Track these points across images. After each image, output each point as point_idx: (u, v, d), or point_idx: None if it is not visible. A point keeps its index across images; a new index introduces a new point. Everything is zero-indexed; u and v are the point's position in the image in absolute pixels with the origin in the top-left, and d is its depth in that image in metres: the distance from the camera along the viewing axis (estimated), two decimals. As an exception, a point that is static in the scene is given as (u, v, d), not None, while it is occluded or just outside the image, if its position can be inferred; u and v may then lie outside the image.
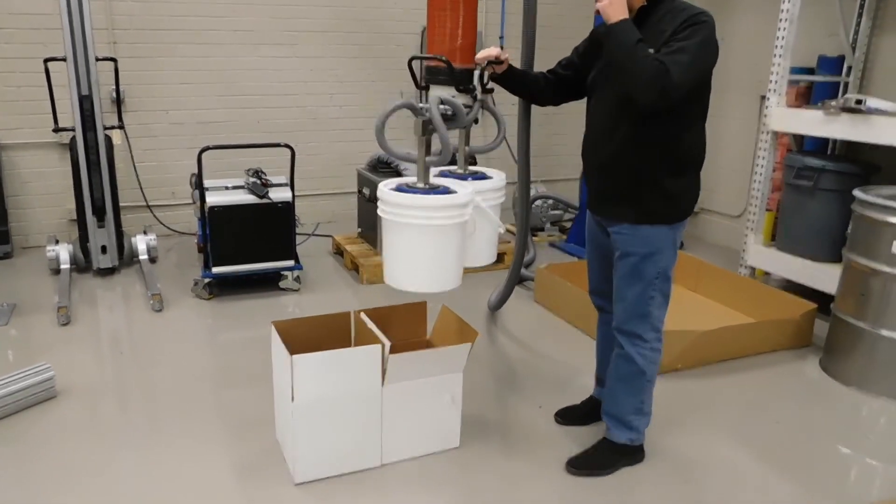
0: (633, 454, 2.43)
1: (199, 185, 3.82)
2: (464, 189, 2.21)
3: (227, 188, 3.89)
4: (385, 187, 2.20)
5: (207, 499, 2.21)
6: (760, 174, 4.10)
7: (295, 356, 2.14)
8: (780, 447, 2.60)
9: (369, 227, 4.42)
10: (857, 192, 3.09)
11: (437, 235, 2.12)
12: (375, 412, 2.33)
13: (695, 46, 1.97)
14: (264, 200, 3.82)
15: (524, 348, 3.39)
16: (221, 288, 3.96)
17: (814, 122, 3.66)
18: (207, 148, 3.74)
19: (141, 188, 4.83)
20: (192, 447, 2.48)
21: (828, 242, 3.68)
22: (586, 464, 2.41)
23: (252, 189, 3.84)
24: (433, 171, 2.42)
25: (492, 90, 2.39)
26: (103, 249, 4.14)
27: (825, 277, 3.58)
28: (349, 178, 5.05)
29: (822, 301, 3.43)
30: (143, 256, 4.31)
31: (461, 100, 2.35)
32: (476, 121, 2.41)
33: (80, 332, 3.43)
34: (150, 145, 4.91)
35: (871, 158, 3.79)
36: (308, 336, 2.41)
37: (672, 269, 2.27)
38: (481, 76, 2.34)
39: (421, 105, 2.23)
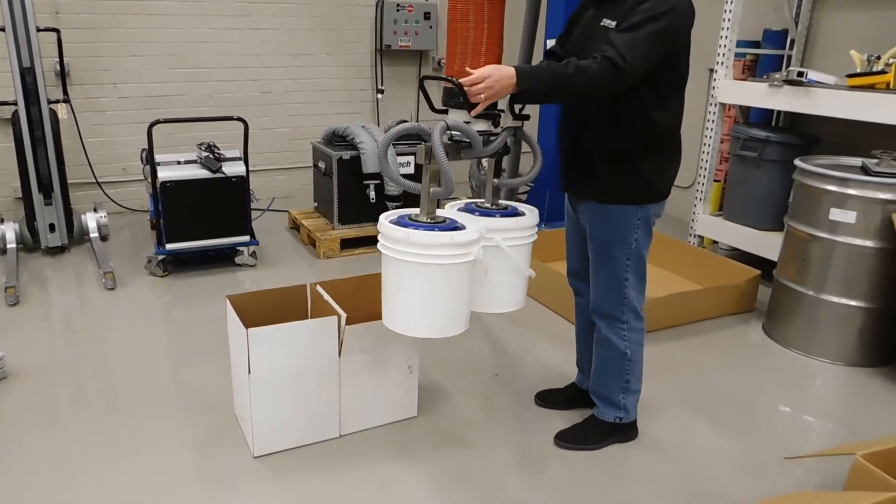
0: (624, 431, 2.44)
1: (150, 159, 3.74)
2: (474, 226, 2.00)
3: (179, 163, 3.82)
4: (385, 219, 2.00)
5: (166, 475, 2.22)
6: (709, 146, 4.21)
7: (250, 329, 2.15)
8: (725, 408, 2.72)
9: (325, 202, 4.40)
10: (797, 162, 3.21)
11: (432, 275, 1.91)
12: (333, 384, 2.36)
13: (648, 19, 1.91)
14: (217, 175, 3.77)
15: (484, 321, 3.45)
16: (176, 265, 3.92)
17: (759, 95, 3.77)
18: (158, 121, 3.67)
19: (90, 164, 4.71)
20: (150, 425, 2.48)
21: (772, 211, 3.82)
22: (576, 438, 2.43)
23: (205, 163, 3.79)
24: (455, 205, 2.23)
25: (527, 117, 2.13)
26: (51, 228, 4.04)
27: (769, 245, 3.72)
28: (304, 153, 5.02)
29: (767, 268, 3.57)
30: (94, 234, 4.22)
31: (483, 126, 2.03)
32: (507, 150, 2.12)
33: (31, 313, 3.36)
34: (97, 120, 4.78)
35: (812, 130, 3.93)
36: (264, 310, 2.42)
37: (646, 251, 2.22)
38: (512, 100, 2.06)
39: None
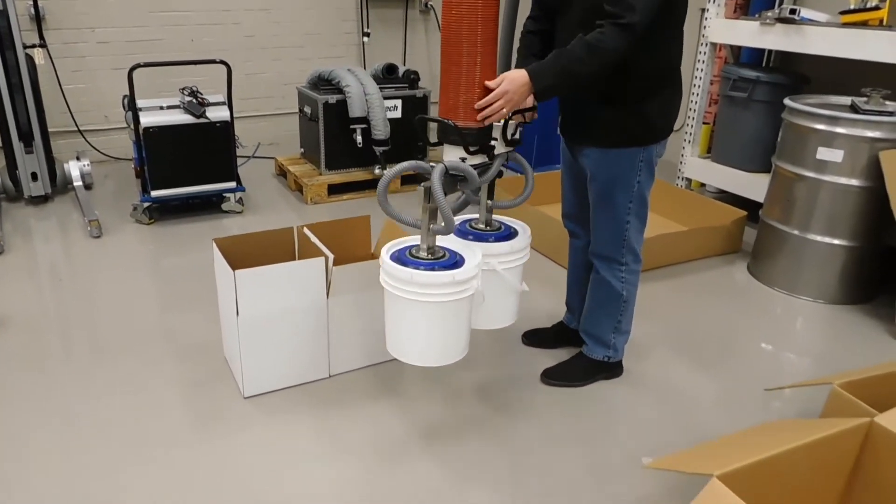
0: (610, 369, 2.49)
1: (131, 105, 3.68)
2: (471, 261, 2.00)
3: (161, 108, 3.75)
4: (385, 254, 2.01)
5: (157, 416, 2.25)
6: (698, 87, 4.16)
7: (238, 271, 2.15)
8: (708, 345, 2.77)
9: (312, 147, 4.36)
10: (787, 101, 3.19)
11: (434, 312, 1.94)
12: (321, 325, 2.37)
13: None
14: (201, 120, 3.72)
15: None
16: (162, 213, 3.89)
17: (750, 34, 3.71)
18: (138, 65, 3.58)
19: (70, 112, 4.62)
20: (139, 369, 2.50)
21: (760, 153, 3.81)
22: (562, 375, 2.47)
23: (188, 108, 3.72)
24: (455, 221, 2.18)
25: (518, 142, 2.12)
26: (34, 177, 3.99)
27: (757, 187, 3.72)
28: (290, 99, 4.94)
29: (754, 210, 3.58)
30: (78, 183, 4.16)
31: (478, 160, 2.03)
32: (501, 174, 2.12)
33: (15, 262, 3.34)
34: (77, 66, 4.66)
35: (804, 69, 3.89)
36: (251, 253, 2.42)
37: (648, 192, 2.20)
38: (505, 128, 2.05)
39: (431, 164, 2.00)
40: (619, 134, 2.10)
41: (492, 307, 2.19)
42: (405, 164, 1.99)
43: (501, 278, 2.15)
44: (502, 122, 2.04)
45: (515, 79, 1.93)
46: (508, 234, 2.24)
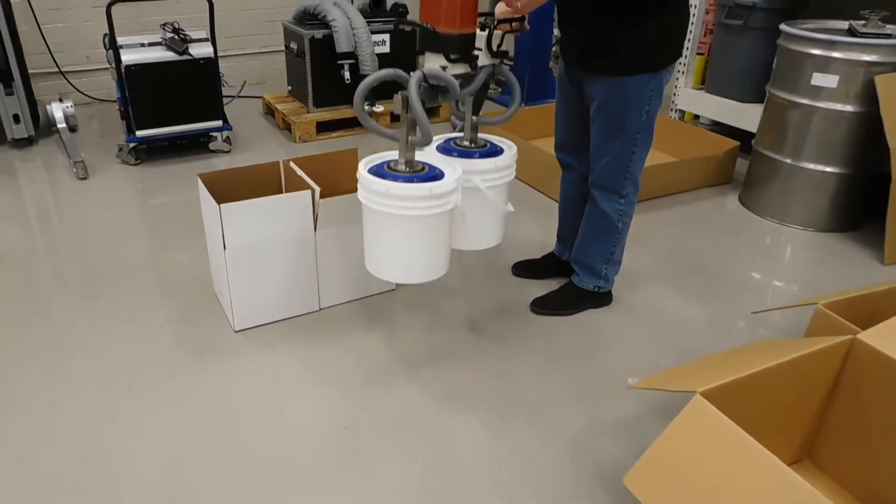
0: (600, 298, 2.49)
1: (111, 43, 3.58)
2: (451, 175, 1.93)
3: (143, 45, 3.65)
4: (363, 168, 1.94)
5: (149, 351, 2.26)
6: (693, 16, 4.06)
7: (223, 205, 2.13)
8: (697, 274, 2.78)
9: (299, 85, 4.27)
10: (783, 26, 3.11)
11: (412, 226, 1.89)
12: (310, 258, 2.37)
13: None
14: (185, 57, 3.63)
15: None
16: (149, 153, 3.84)
17: (747, -43, 3.60)
18: (116, 0, 3.48)
19: (50, 52, 4.51)
20: (129, 304, 2.51)
21: (755, 82, 3.73)
22: (552, 304, 2.48)
23: (170, 45, 3.63)
24: (437, 139, 2.15)
25: (505, 53, 2.03)
26: (16, 118, 3.91)
27: (750, 117, 3.67)
28: (276, 35, 4.81)
29: (747, 140, 3.54)
30: (62, 125, 4.10)
31: (461, 69, 1.93)
32: (486, 88, 2.03)
33: (1, 204, 3.31)
34: (54, 4, 4.52)
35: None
36: (237, 188, 2.38)
37: (654, 120, 2.16)
38: (489, 38, 1.96)
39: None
40: (633, 60, 2.03)
41: (476, 227, 2.16)
42: (383, 71, 1.89)
43: (484, 196, 2.09)
44: (486, 31, 1.97)
45: None
46: (494, 151, 2.17)
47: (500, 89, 5.01)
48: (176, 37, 3.66)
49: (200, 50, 3.68)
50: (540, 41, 4.67)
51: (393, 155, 2.00)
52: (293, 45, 4.24)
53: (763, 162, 3.23)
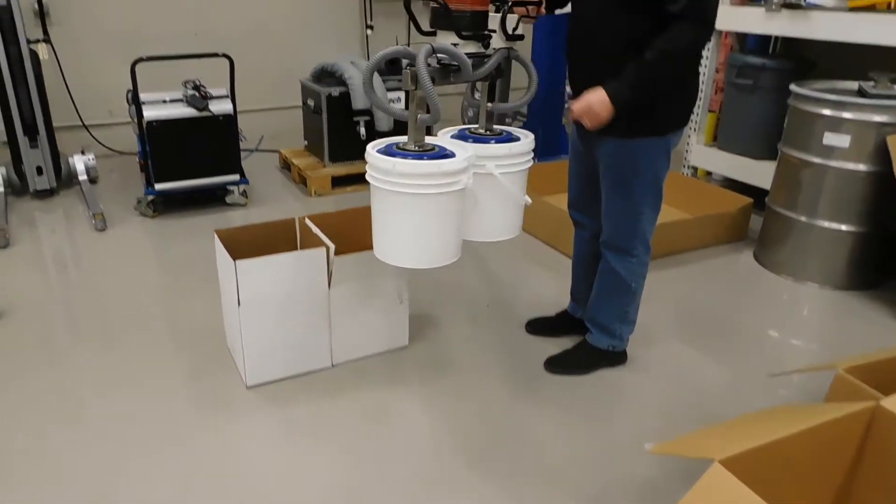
0: (614, 358, 2.46)
1: (135, 99, 3.68)
2: (463, 153, 1.92)
3: (165, 102, 3.75)
4: (372, 148, 1.93)
5: (159, 403, 2.25)
6: (704, 74, 4.13)
7: (238, 261, 2.15)
8: (713, 333, 2.75)
9: (316, 140, 4.35)
10: (792, 87, 3.16)
11: (420, 205, 1.85)
12: (323, 314, 2.37)
13: None
14: (205, 113, 3.72)
15: (476, 251, 3.45)
16: (167, 206, 3.90)
17: (756, 20, 3.67)
18: (141, 59, 3.59)
19: (75, 106, 4.63)
20: (143, 358, 2.51)
21: (766, 140, 3.77)
22: (566, 363, 2.45)
23: (191, 102, 3.72)
24: (449, 131, 2.15)
25: (521, 37, 2.02)
26: (39, 171, 4.00)
27: (763, 174, 3.69)
28: (293, 92, 4.91)
29: (760, 197, 3.55)
30: (83, 177, 4.18)
31: (472, 48, 1.93)
32: (501, 73, 2.04)
33: (21, 254, 3.36)
34: (81, 61, 4.67)
35: (810, 55, 3.85)
36: (253, 244, 2.41)
37: (663, 182, 2.16)
38: (504, 20, 1.95)
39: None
40: (642, 124, 2.04)
41: (490, 215, 2.12)
42: (392, 48, 1.90)
43: (499, 184, 2.04)
44: (500, 13, 1.97)
45: (598, 103, 1.95)
46: (510, 139, 2.14)
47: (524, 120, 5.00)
48: (197, 94, 3.75)
49: (220, 107, 3.77)
50: (552, 98, 4.74)
51: (404, 138, 1.97)
52: (310, 102, 4.34)
53: (777, 219, 3.23)
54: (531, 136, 2.19)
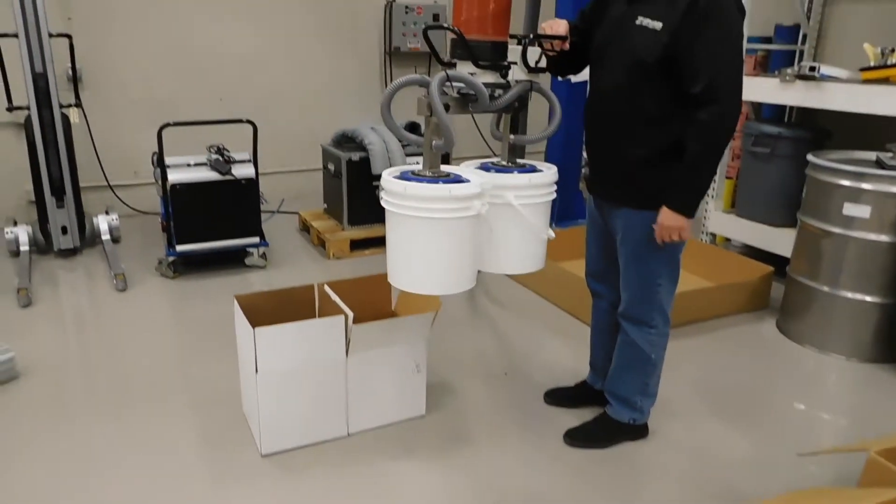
0: (635, 431, 2.41)
1: (160, 162, 3.77)
2: (477, 180, 1.92)
3: (189, 165, 3.84)
4: (388, 174, 1.94)
5: (173, 471, 2.22)
6: (720, 142, 4.16)
7: (257, 328, 2.15)
8: (738, 405, 2.69)
9: (335, 203, 4.41)
10: (810, 157, 3.17)
11: (431, 229, 1.85)
12: (340, 382, 2.35)
13: (723, 45, 1.88)
14: (227, 177, 3.79)
15: (496, 321, 3.44)
16: (187, 266, 3.93)
17: (770, 90, 3.72)
18: (168, 125, 3.69)
19: (101, 167, 4.74)
20: (158, 421, 2.49)
21: (784, 207, 3.77)
22: (586, 437, 2.40)
23: (214, 166, 3.80)
24: (472, 163, 2.16)
25: (543, 70, 2.04)
26: (64, 230, 4.08)
27: (782, 241, 3.67)
28: (314, 155, 5.01)
29: (780, 265, 3.52)
30: (106, 236, 4.25)
31: (490, 77, 1.95)
32: (524, 105, 2.06)
33: (42, 313, 3.39)
34: (109, 123, 4.81)
35: (825, 124, 3.88)
36: (272, 309, 2.41)
37: (680, 254, 2.17)
38: (525, 52, 1.97)
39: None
40: (656, 197, 2.04)
41: (510, 247, 2.09)
42: (410, 76, 1.93)
43: (519, 215, 2.02)
44: (521, 45, 1.99)
45: (672, 222, 2.01)
46: (532, 171, 2.13)
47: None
48: (220, 158, 3.83)
49: (242, 171, 3.84)
50: (568, 162, 4.79)
51: (415, 167, 1.98)
52: (331, 166, 4.42)
53: (799, 289, 3.19)
54: (554, 168, 2.18)
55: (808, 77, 3.46)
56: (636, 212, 2.11)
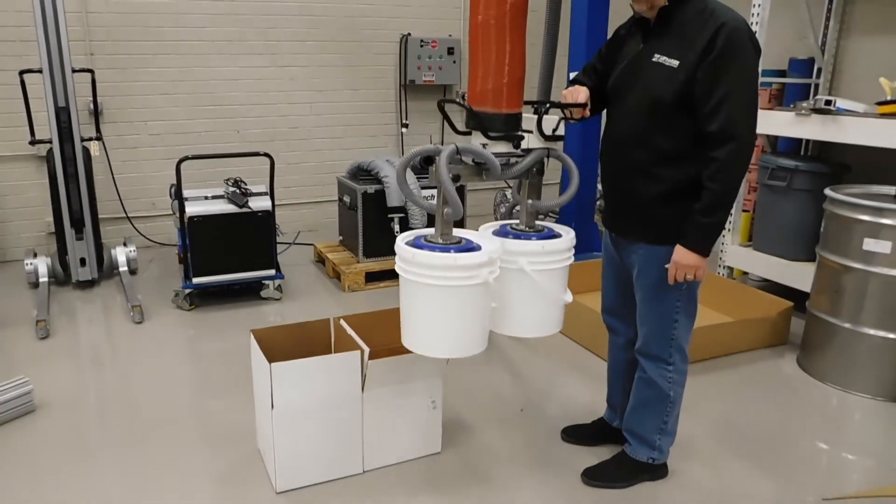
0: (654, 471, 2.37)
1: (178, 195, 3.81)
2: (489, 248, 1.97)
3: (206, 198, 3.88)
4: (401, 240, 2.01)
5: (188, 509, 2.20)
6: (736, 175, 4.15)
7: (273, 364, 2.14)
8: (760, 444, 2.63)
9: (350, 235, 4.42)
10: (828, 192, 3.15)
11: (437, 296, 1.90)
12: (356, 418, 2.33)
13: (741, 84, 1.89)
14: (244, 210, 3.82)
15: (509, 355, 3.41)
16: (203, 298, 3.95)
17: (786, 124, 3.72)
18: (186, 158, 3.74)
19: (120, 199, 4.80)
20: (173, 457, 2.47)
21: (802, 241, 3.74)
22: (604, 476, 2.36)
23: (232, 198, 3.84)
24: (491, 226, 2.20)
25: (561, 138, 2.07)
26: (82, 262, 4.12)
27: (801, 276, 3.64)
28: (330, 187, 5.06)
29: (799, 299, 3.48)
30: (123, 268, 4.28)
31: (502, 147, 2.00)
32: (542, 171, 2.08)
33: (60, 345, 3.40)
34: (128, 156, 4.89)
35: (842, 158, 3.86)
36: (287, 344, 2.41)
37: (698, 290, 2.15)
38: (540, 121, 2.01)
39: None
40: (672, 233, 2.04)
41: (525, 312, 2.11)
42: (424, 146, 1.99)
43: (533, 281, 2.04)
44: (537, 115, 2.02)
45: (688, 261, 2.01)
46: (550, 236, 2.14)
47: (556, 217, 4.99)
48: (237, 190, 3.87)
49: (259, 203, 3.87)
50: (584, 195, 4.79)
51: (428, 233, 2.04)
52: (346, 199, 4.45)
53: (820, 325, 3.14)
54: (571, 233, 2.19)
55: (825, 111, 3.46)
56: (652, 247, 2.10)
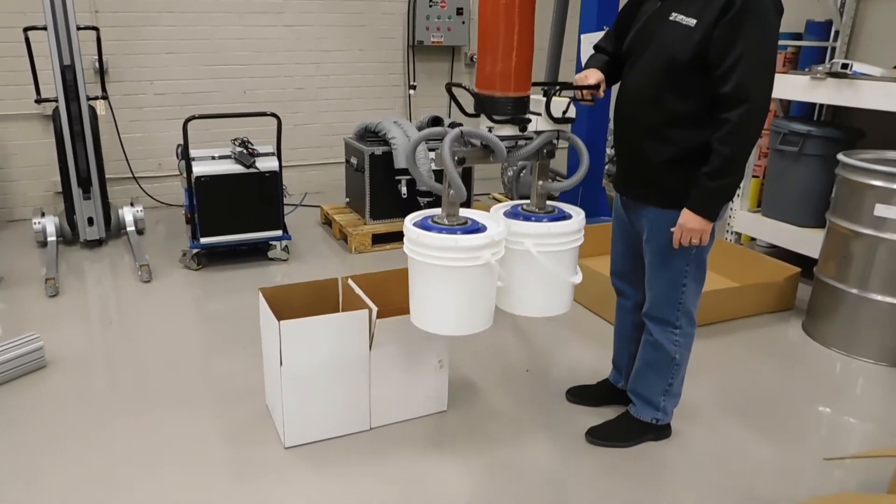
0: (658, 431, 2.39)
1: (185, 155, 3.79)
2: (493, 229, 1.99)
3: (213, 158, 3.86)
4: (409, 220, 2.04)
5: (198, 464, 2.24)
6: (747, 140, 4.10)
7: (282, 322, 2.16)
8: (762, 407, 2.65)
9: (357, 197, 4.41)
10: (840, 156, 3.11)
11: (442, 276, 1.94)
12: (363, 377, 2.35)
13: (758, 46, 1.85)
14: (251, 170, 3.81)
15: (518, 319, 3.41)
16: (210, 258, 3.96)
17: (800, 88, 3.66)
18: (193, 117, 3.72)
19: (127, 160, 4.80)
20: (182, 414, 2.51)
21: (812, 207, 3.71)
22: (608, 435, 2.38)
23: (239, 159, 3.82)
24: (503, 207, 2.20)
25: (571, 120, 2.07)
26: (90, 221, 4.13)
27: (809, 242, 3.62)
28: (337, 148, 5.04)
29: (807, 265, 3.47)
30: (131, 228, 4.29)
31: (508, 130, 2.00)
32: (553, 154, 2.10)
33: (69, 304, 3.43)
34: (135, 116, 4.86)
35: (856, 123, 3.81)
36: (296, 302, 2.43)
37: (707, 255, 2.14)
38: (549, 103, 2.01)
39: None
40: (683, 195, 2.02)
41: (531, 292, 2.15)
42: (432, 129, 2.04)
43: (536, 262, 2.07)
44: (546, 97, 2.03)
45: (694, 224, 2.00)
46: (561, 216, 2.15)
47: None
48: (245, 150, 3.85)
49: (266, 164, 3.86)
50: (593, 159, 4.74)
51: (436, 214, 2.08)
52: (353, 160, 4.42)
53: (827, 291, 3.14)
54: (581, 215, 2.18)
55: (841, 74, 3.40)
56: (662, 211, 2.09)
